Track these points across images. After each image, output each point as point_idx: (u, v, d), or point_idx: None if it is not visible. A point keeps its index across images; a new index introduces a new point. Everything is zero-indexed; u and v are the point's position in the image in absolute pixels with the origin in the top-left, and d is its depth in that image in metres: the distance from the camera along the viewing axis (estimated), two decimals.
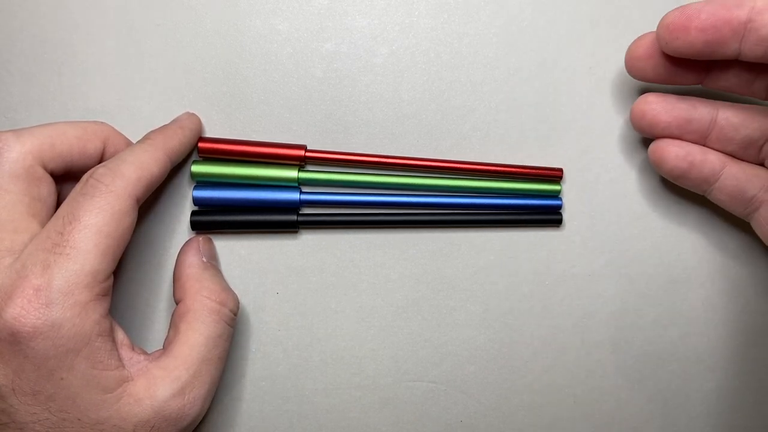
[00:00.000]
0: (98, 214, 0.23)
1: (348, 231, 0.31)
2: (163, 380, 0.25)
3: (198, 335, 0.26)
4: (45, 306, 0.22)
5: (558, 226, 0.31)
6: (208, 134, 0.30)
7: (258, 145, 0.29)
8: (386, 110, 0.31)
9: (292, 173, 0.29)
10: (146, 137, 0.27)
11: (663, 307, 0.32)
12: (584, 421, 0.32)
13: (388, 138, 0.31)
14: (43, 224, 0.24)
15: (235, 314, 0.28)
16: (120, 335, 0.25)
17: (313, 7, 0.31)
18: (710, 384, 0.32)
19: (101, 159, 0.27)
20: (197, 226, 0.30)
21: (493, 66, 0.31)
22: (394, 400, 0.31)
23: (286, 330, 0.31)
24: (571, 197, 0.31)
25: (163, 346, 0.26)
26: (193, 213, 0.30)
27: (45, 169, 0.25)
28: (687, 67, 0.27)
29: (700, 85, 0.28)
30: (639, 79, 0.28)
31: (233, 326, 0.28)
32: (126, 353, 0.25)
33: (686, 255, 0.32)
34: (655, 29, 0.26)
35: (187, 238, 0.30)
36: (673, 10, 0.25)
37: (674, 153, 0.28)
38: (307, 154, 0.30)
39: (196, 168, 0.29)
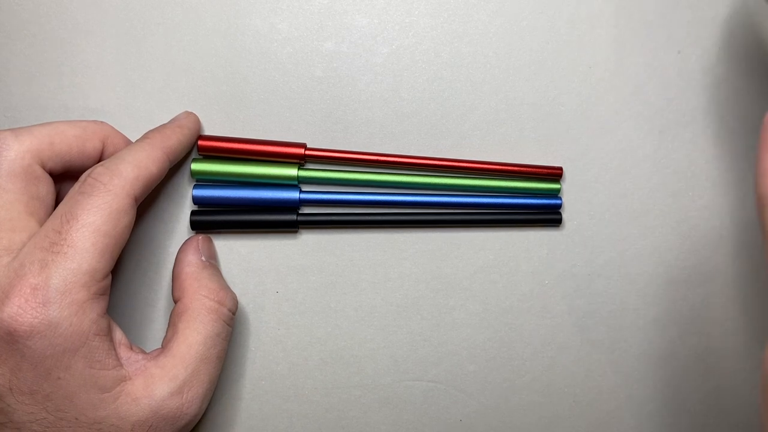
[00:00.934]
0: (96, 212, 0.23)
1: (348, 230, 0.31)
2: (161, 379, 0.25)
3: (196, 334, 0.26)
4: (42, 305, 0.22)
5: (558, 226, 0.31)
6: (209, 133, 0.30)
7: (258, 143, 0.29)
8: (386, 109, 0.31)
9: (292, 171, 0.29)
10: (145, 136, 0.27)
11: (663, 307, 0.32)
12: (584, 421, 0.32)
13: (387, 137, 0.31)
14: (42, 223, 0.24)
15: (234, 313, 0.28)
16: (118, 335, 0.25)
17: (313, 7, 0.31)
18: (710, 384, 0.32)
19: (100, 158, 0.27)
20: (197, 226, 0.30)
21: (493, 66, 0.31)
22: (394, 400, 0.31)
23: (285, 329, 0.31)
24: (571, 197, 0.31)
25: (162, 345, 0.26)
26: (193, 212, 0.30)
27: (44, 168, 0.25)
28: None
29: None
30: None
31: (231, 325, 0.28)
32: (124, 352, 0.25)
33: (686, 255, 0.32)
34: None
35: (187, 238, 0.30)
36: None
37: None
38: (307, 152, 0.30)
39: (196, 166, 0.29)
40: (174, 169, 0.30)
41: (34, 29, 0.30)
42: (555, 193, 0.31)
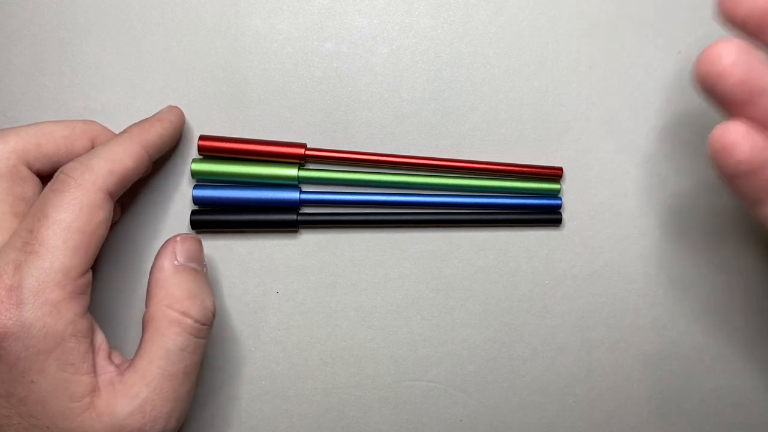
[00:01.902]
0: (66, 209, 0.23)
1: (348, 230, 0.31)
2: (123, 396, 0.23)
3: (157, 348, 0.24)
4: (16, 306, 0.21)
5: (558, 226, 0.31)
6: (209, 133, 0.30)
7: (258, 143, 0.29)
8: (386, 110, 0.31)
9: (292, 171, 0.29)
10: (123, 131, 0.27)
11: (663, 307, 0.32)
12: (584, 421, 0.32)
13: (387, 137, 0.31)
14: None
15: (204, 324, 0.25)
16: (99, 339, 0.24)
17: (313, 7, 0.31)
18: (710, 384, 0.32)
19: None
20: (197, 226, 0.30)
21: (493, 66, 0.31)
22: (394, 400, 0.31)
23: (285, 329, 0.31)
24: (571, 197, 0.31)
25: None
26: (193, 212, 0.30)
27: (30, 168, 0.25)
28: None
29: None
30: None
31: (202, 337, 0.25)
32: (100, 360, 0.24)
33: (686, 255, 0.32)
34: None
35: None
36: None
37: (750, 144, 0.22)
38: (307, 152, 0.30)
39: (196, 166, 0.29)
40: (174, 169, 0.30)
41: (34, 29, 0.30)
42: (555, 193, 0.31)
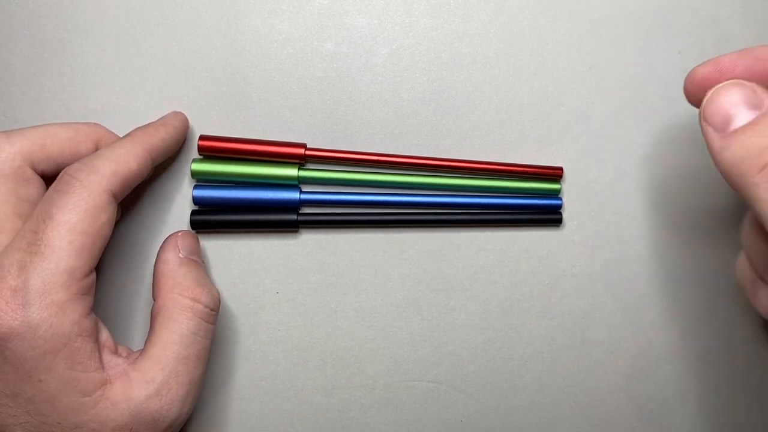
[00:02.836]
0: (72, 210, 0.23)
1: (348, 231, 0.31)
2: (138, 382, 0.24)
3: (171, 333, 0.25)
4: (22, 307, 0.22)
5: (558, 226, 0.31)
6: (209, 133, 0.30)
7: (258, 143, 0.29)
8: (386, 110, 0.31)
9: (293, 171, 0.29)
10: (127, 134, 0.27)
11: (663, 307, 0.32)
12: (584, 421, 0.32)
13: (388, 137, 0.31)
14: None
15: (213, 309, 0.27)
16: (104, 336, 0.25)
17: (313, 7, 0.31)
18: (710, 384, 0.32)
19: None
20: (197, 226, 0.30)
21: (493, 66, 0.31)
22: (394, 400, 0.31)
23: (285, 330, 0.31)
24: (571, 197, 0.31)
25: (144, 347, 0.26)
26: (193, 212, 0.30)
27: (35, 170, 0.25)
28: None
29: None
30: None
31: (212, 322, 0.27)
32: (107, 355, 0.24)
33: (686, 255, 0.32)
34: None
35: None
36: (703, 64, 0.23)
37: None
38: (307, 152, 0.30)
39: (196, 166, 0.29)
40: (174, 169, 0.30)
41: (34, 29, 0.30)
42: (555, 193, 0.31)
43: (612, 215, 0.31)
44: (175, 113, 0.29)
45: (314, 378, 0.31)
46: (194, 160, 0.29)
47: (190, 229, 0.30)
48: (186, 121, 0.30)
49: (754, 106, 0.21)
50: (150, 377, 0.24)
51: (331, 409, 0.31)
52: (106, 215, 0.24)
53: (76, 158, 0.26)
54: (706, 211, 0.32)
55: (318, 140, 0.30)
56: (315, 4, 0.31)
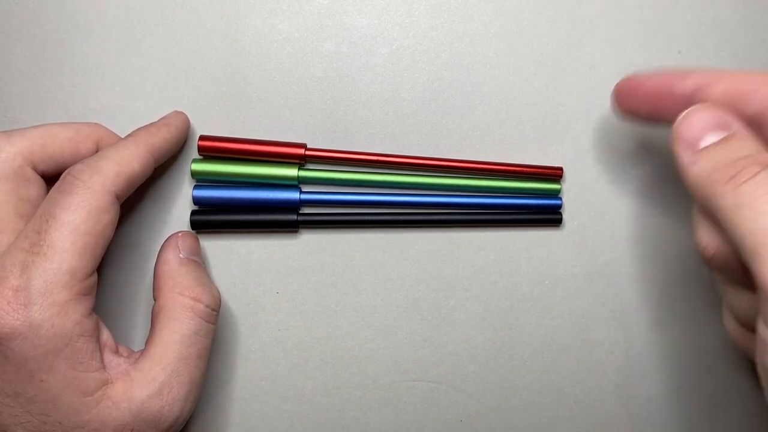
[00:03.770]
0: (75, 211, 0.23)
1: (348, 231, 0.31)
2: (140, 382, 0.24)
3: (172, 333, 0.25)
4: (24, 307, 0.22)
5: (558, 226, 0.31)
6: (209, 133, 0.30)
7: (258, 143, 0.29)
8: (386, 110, 0.31)
9: (293, 171, 0.29)
10: (129, 134, 0.27)
11: (663, 307, 0.32)
12: (584, 421, 0.32)
13: (388, 137, 0.31)
14: None
15: (214, 309, 0.27)
16: (105, 336, 0.25)
17: (313, 7, 0.31)
18: (710, 384, 0.32)
19: None
20: (197, 226, 0.30)
21: (493, 66, 0.31)
22: (394, 400, 0.31)
23: (285, 330, 0.31)
24: (571, 197, 0.31)
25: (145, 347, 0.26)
26: (193, 212, 0.30)
27: (35, 170, 0.25)
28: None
29: None
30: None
31: (212, 322, 0.27)
32: (108, 356, 0.24)
33: (686, 255, 0.32)
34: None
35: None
36: (624, 78, 0.27)
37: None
38: (307, 152, 0.30)
39: (196, 166, 0.29)
40: (174, 169, 0.30)
41: (34, 29, 0.30)
42: (555, 194, 0.31)
43: (612, 215, 0.32)
44: (177, 113, 0.29)
45: (314, 378, 0.31)
46: (194, 160, 0.29)
47: (190, 229, 0.30)
48: (187, 120, 0.30)
49: (724, 127, 0.23)
50: (151, 377, 0.24)
51: (331, 409, 0.31)
52: (109, 216, 0.24)
53: (76, 158, 0.26)
54: None
55: (318, 140, 0.30)
56: (315, 4, 0.31)
